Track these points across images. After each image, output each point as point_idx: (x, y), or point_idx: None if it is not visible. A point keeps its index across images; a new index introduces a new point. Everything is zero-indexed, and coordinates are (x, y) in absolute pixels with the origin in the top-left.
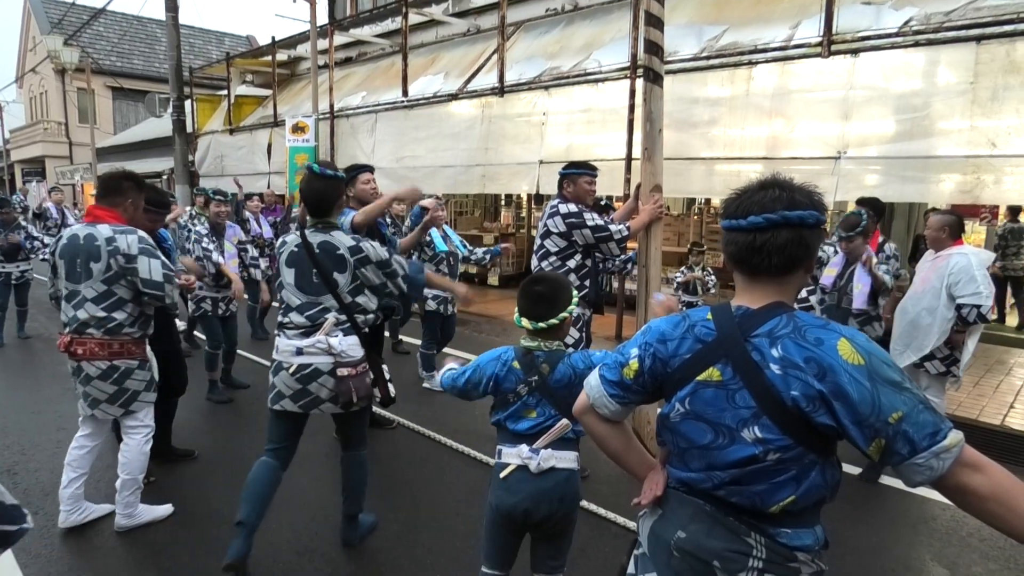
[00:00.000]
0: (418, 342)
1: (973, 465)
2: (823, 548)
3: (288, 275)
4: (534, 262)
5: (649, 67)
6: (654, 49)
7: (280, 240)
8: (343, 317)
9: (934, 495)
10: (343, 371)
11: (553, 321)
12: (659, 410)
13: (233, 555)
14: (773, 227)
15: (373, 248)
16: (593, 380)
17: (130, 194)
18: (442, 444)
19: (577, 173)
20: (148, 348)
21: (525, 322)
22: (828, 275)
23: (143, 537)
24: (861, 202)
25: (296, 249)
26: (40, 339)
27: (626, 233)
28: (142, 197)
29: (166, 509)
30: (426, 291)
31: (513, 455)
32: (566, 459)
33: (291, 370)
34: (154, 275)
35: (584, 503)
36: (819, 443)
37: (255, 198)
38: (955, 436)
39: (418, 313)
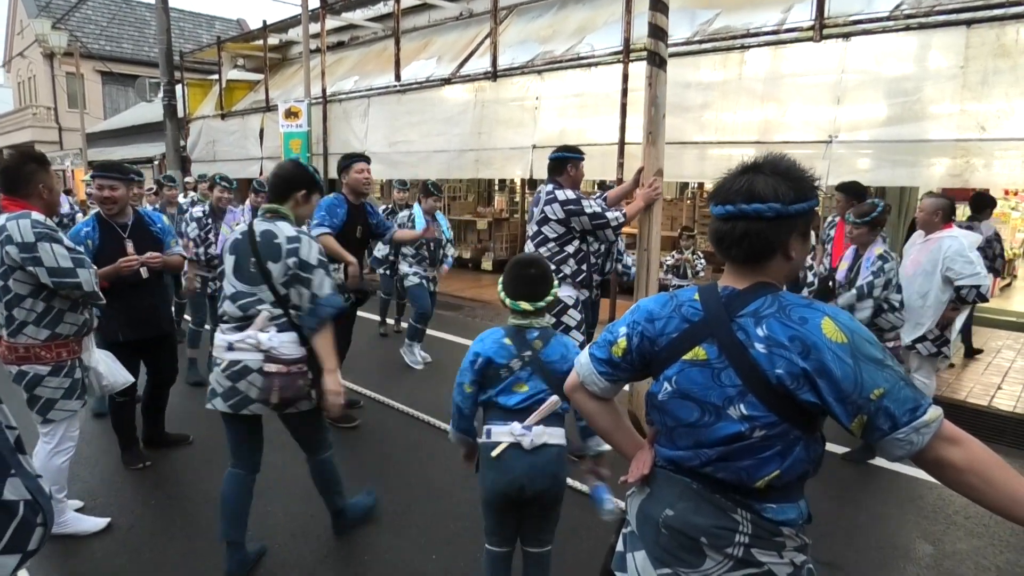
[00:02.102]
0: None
1: (951, 439)
2: (806, 522)
3: (228, 262)
4: (529, 247)
5: (655, 52)
6: (659, 33)
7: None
8: (278, 311)
9: (922, 474)
10: (270, 367)
11: (549, 298)
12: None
13: (234, 571)
14: (733, 219)
15: (310, 247)
16: (583, 358)
17: (37, 177)
18: (435, 427)
19: (576, 157)
20: (77, 348)
21: (525, 304)
22: (841, 269)
23: (139, 521)
24: (841, 188)
25: (241, 236)
26: None
27: (622, 220)
28: (51, 176)
29: (96, 523)
30: (407, 268)
31: (504, 433)
32: (556, 435)
33: (223, 366)
34: (61, 262)
35: (576, 483)
36: (804, 420)
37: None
38: (934, 411)
39: (384, 293)
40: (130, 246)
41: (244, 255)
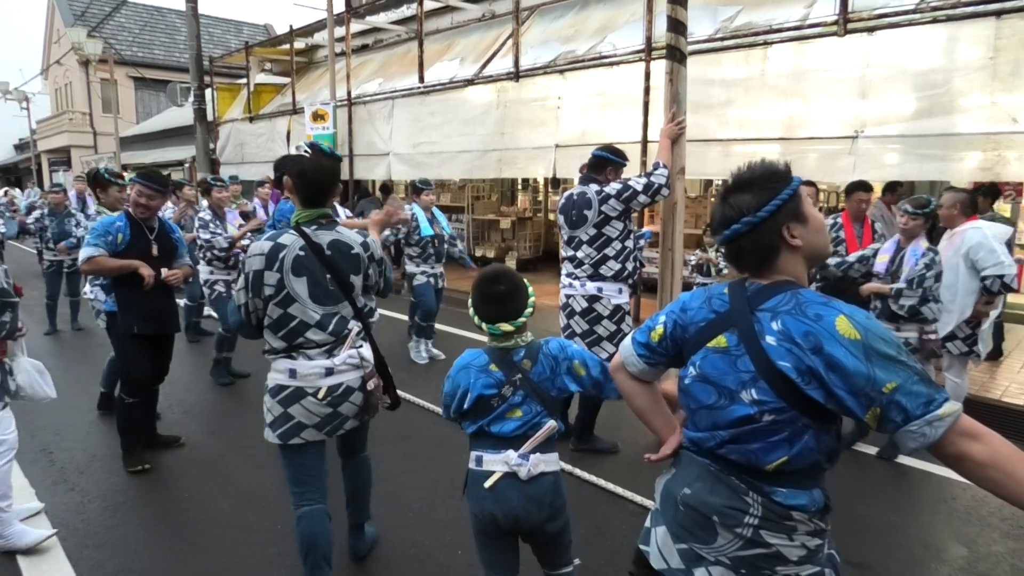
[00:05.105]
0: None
1: (971, 434)
2: (823, 511)
3: (299, 286)
4: (588, 251)
5: (675, 47)
6: (679, 27)
7: (262, 241)
8: (360, 324)
9: (954, 474)
10: (372, 383)
11: (529, 310)
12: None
13: None
14: (728, 243)
15: (375, 244)
16: (627, 341)
17: None
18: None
19: (619, 162)
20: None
21: (505, 326)
22: (881, 262)
23: (169, 513)
24: (863, 185)
25: (302, 252)
26: (89, 332)
27: (666, 171)
28: None
29: (39, 535)
30: (414, 268)
31: (498, 462)
32: (552, 461)
33: (320, 394)
34: None
35: (602, 482)
36: (811, 410)
37: (266, 185)
38: (950, 407)
39: (405, 290)
40: (155, 248)
41: (317, 273)
